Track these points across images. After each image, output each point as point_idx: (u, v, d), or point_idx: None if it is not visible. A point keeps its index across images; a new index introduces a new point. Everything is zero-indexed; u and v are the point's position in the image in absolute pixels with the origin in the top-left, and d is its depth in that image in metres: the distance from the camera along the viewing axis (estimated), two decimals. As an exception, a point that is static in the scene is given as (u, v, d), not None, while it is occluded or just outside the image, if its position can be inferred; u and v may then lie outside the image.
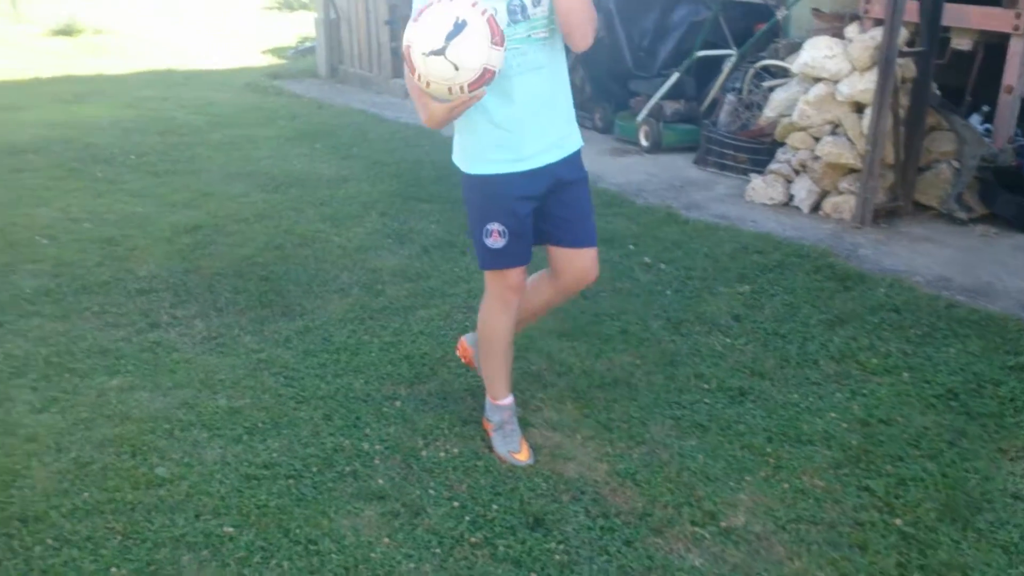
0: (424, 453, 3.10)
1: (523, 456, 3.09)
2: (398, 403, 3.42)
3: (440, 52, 2.46)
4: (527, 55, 2.73)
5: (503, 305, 3.05)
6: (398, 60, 9.76)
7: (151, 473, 2.95)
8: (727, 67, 6.94)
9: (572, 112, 2.97)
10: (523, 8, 2.69)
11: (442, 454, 3.10)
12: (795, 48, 6.42)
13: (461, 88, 2.51)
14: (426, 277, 4.62)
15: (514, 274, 2.99)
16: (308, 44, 12.80)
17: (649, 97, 7.22)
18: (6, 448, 3.05)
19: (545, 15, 2.73)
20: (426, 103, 2.66)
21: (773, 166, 6.00)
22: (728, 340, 3.96)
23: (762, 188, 5.95)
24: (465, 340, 3.48)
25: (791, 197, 5.88)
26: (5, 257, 4.76)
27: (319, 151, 7.19)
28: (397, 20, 9.60)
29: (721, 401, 3.46)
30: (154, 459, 3.03)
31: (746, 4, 7.28)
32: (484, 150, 2.85)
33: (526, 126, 2.81)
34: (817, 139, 5.75)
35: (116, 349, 3.80)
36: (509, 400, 3.20)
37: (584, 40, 2.70)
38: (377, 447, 3.13)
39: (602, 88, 7.90)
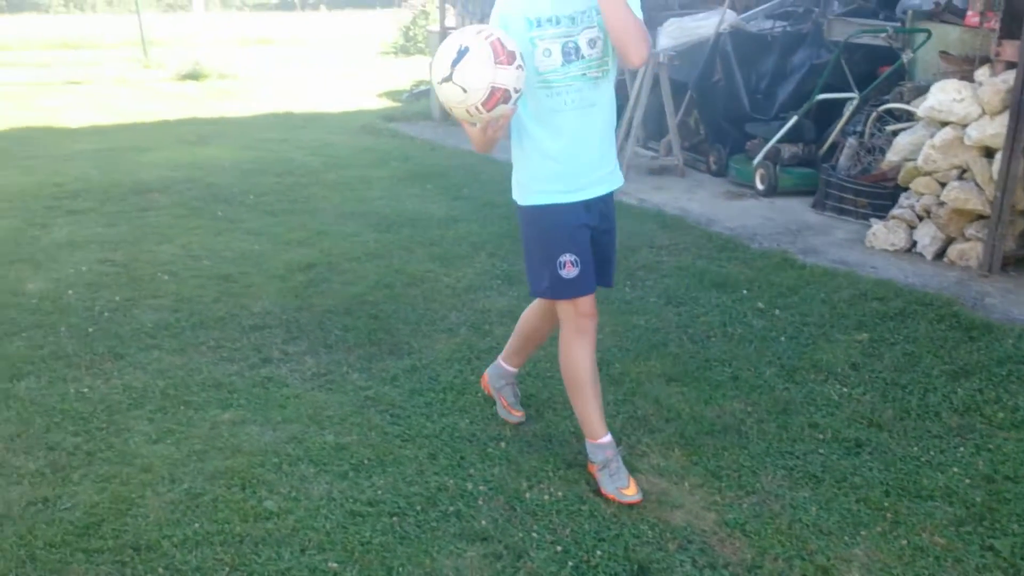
0: (528, 495, 3.06)
1: (631, 492, 3.05)
2: (503, 444, 3.39)
3: (448, 79, 2.68)
4: (581, 92, 2.92)
5: (580, 335, 3.13)
6: (510, 103, 9.84)
7: (260, 506, 2.98)
8: (848, 110, 6.79)
9: (615, 150, 3.14)
10: (577, 49, 2.90)
11: (546, 497, 3.05)
12: (921, 91, 6.24)
13: (477, 109, 2.69)
14: (533, 318, 4.59)
15: (586, 302, 3.11)
16: (423, 87, 13.08)
17: (766, 140, 7.11)
18: (122, 477, 3.14)
19: (598, 56, 2.92)
20: (467, 130, 2.87)
21: (895, 211, 5.81)
22: (845, 389, 3.81)
23: (883, 234, 5.75)
24: (488, 373, 3.67)
25: (914, 243, 5.67)
26: (129, 292, 4.94)
27: (430, 192, 7.29)
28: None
29: (836, 452, 3.32)
30: (263, 492, 3.06)
31: (869, 47, 7.13)
32: (538, 182, 3.03)
33: (579, 159, 2.99)
34: (943, 184, 5.55)
35: (229, 383, 3.89)
36: (608, 438, 3.17)
37: (639, 55, 2.81)
38: (481, 488, 3.10)
39: (717, 131, 7.83)
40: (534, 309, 3.46)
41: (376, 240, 5.94)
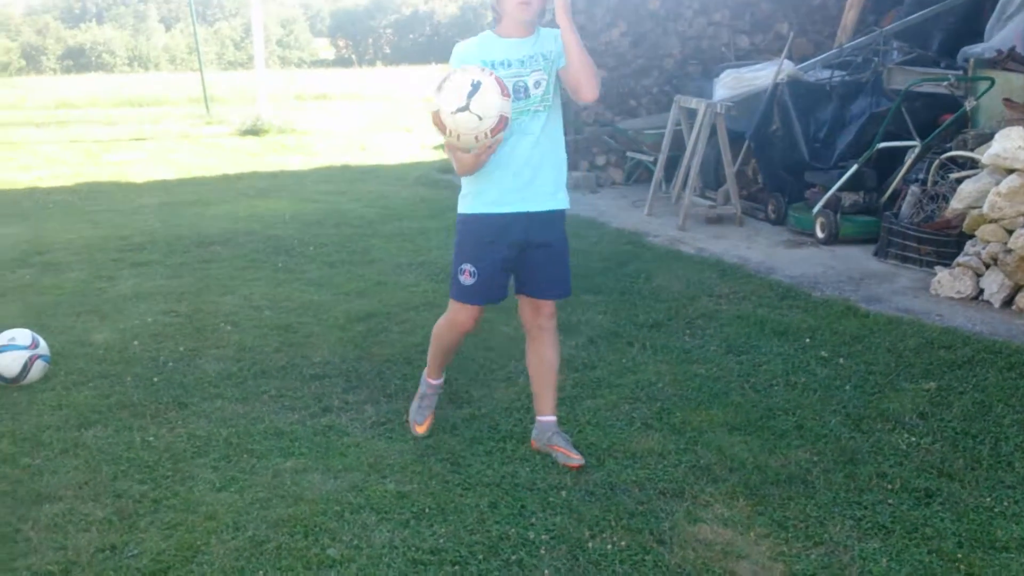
0: (591, 544, 3.02)
1: (421, 430, 3.82)
2: (563, 493, 3.36)
3: (465, 108, 3.14)
4: (522, 124, 3.42)
5: (451, 327, 3.73)
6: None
7: (323, 554, 2.98)
8: (910, 158, 6.73)
9: (561, 178, 3.55)
10: (525, 88, 3.41)
11: (609, 546, 3.01)
12: (984, 139, 6.16)
13: (485, 135, 3.18)
14: (592, 367, 4.58)
15: (471, 310, 3.62)
16: (477, 141, 13.22)
17: (826, 188, 7.07)
18: (187, 525, 3.16)
19: (541, 94, 3.43)
20: (457, 156, 3.33)
21: (961, 259, 5.71)
22: (913, 439, 3.72)
23: (949, 281, 5.66)
24: (533, 438, 3.76)
25: (981, 291, 5.56)
26: (192, 342, 5.02)
27: (487, 243, 7.33)
28: (567, 117, 9.79)
29: (906, 502, 3.24)
30: (325, 540, 3.06)
31: (931, 95, 7.08)
32: (472, 195, 3.51)
33: (509, 177, 3.44)
34: (1010, 231, 5.46)
35: (291, 431, 3.91)
36: (439, 380, 3.93)
37: (592, 91, 3.38)
38: (543, 537, 3.07)
39: (776, 180, 7.81)
40: (528, 354, 3.79)
41: (434, 290, 5.98)
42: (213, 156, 13.01)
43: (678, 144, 8.34)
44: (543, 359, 3.69)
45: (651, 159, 9.20)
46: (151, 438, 3.85)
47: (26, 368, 4.40)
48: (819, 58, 8.51)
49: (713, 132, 7.73)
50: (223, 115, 17.75)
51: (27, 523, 3.18)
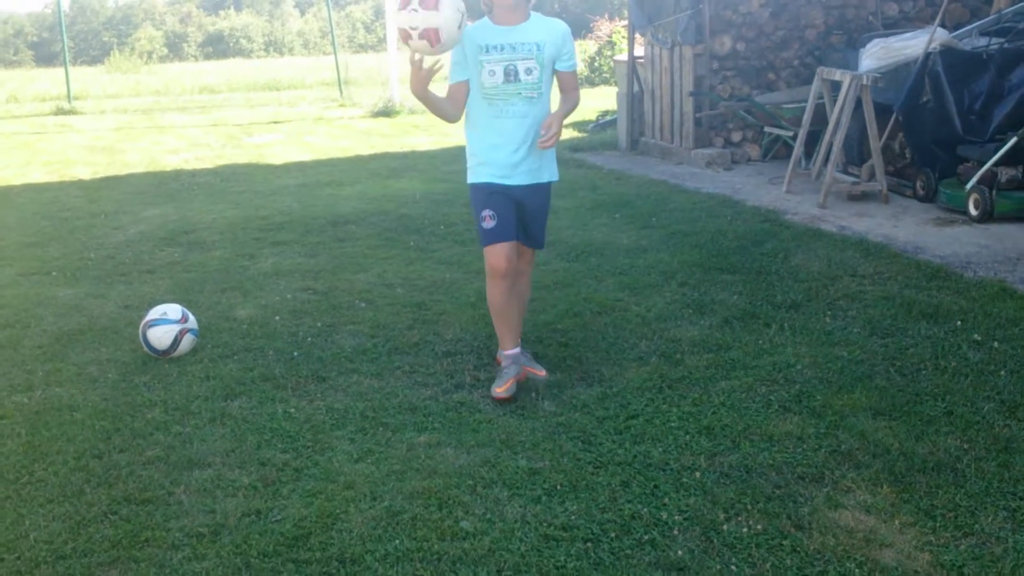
0: (725, 527, 2.96)
1: (501, 391, 3.97)
2: (697, 474, 3.30)
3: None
4: (514, 105, 3.93)
5: (492, 278, 4.05)
6: (701, 130, 9.75)
7: (456, 526, 3.01)
8: (1076, 130, 6.30)
9: (550, 154, 4.09)
10: (516, 72, 3.89)
11: (744, 529, 2.94)
12: None
13: (422, 34, 3.61)
14: (727, 348, 4.48)
15: (503, 251, 4.00)
16: (609, 118, 13.12)
17: (980, 163, 6.70)
18: (327, 493, 3.25)
19: (534, 82, 3.92)
20: (413, 73, 3.80)
21: None
22: (1076, 428, 3.50)
23: (1113, 261, 5.29)
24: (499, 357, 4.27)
25: None
26: (329, 319, 5.15)
27: (618, 221, 7.27)
28: (702, 91, 9.62)
29: (1069, 495, 3.04)
30: (459, 513, 3.10)
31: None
32: (476, 167, 4.07)
33: (507, 155, 3.98)
34: None
35: (424, 407, 3.97)
36: (514, 350, 4.13)
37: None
38: (676, 517, 3.02)
39: (925, 154, 7.46)
40: None
41: (565, 269, 5.97)
42: (346, 138, 13.32)
43: (820, 118, 8.05)
44: (519, 294, 4.26)
45: (790, 134, 8.93)
46: (292, 410, 3.97)
47: (176, 341, 4.60)
48: (975, 24, 8.04)
49: (858, 105, 7.43)
50: (355, 97, 18.15)
51: (179, 487, 3.33)
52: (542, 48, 3.90)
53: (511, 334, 4.14)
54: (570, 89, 4.11)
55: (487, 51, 3.88)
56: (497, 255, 4.01)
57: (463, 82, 3.99)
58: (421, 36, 3.65)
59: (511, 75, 3.88)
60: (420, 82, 3.82)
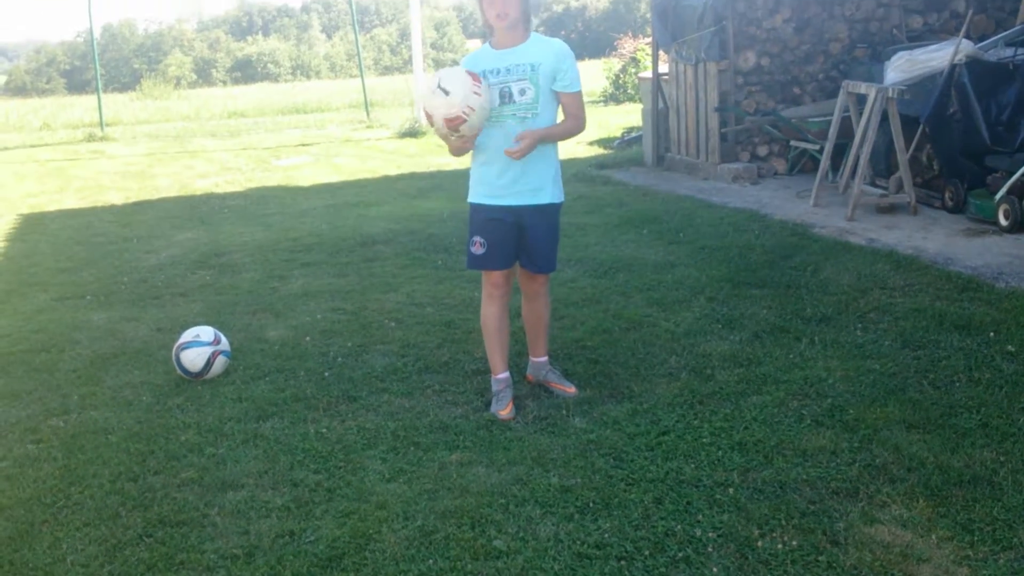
0: (760, 544, 2.94)
1: (504, 413, 4.02)
2: (731, 490, 3.28)
3: (436, 87, 3.81)
4: (508, 126, 3.95)
5: (489, 299, 4.18)
6: (727, 145, 9.73)
7: (489, 545, 3.01)
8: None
9: (545, 176, 4.06)
10: (510, 94, 3.93)
11: (780, 546, 2.92)
12: None
13: (456, 117, 3.77)
14: (758, 363, 4.46)
15: (494, 277, 4.14)
16: (634, 134, 13.13)
17: (1010, 173, 6.64)
18: (360, 513, 3.26)
19: (528, 102, 3.93)
20: (448, 141, 4.01)
21: None
22: (1116, 440, 3.45)
23: None
24: (529, 373, 4.46)
25: None
26: (359, 338, 5.18)
27: (646, 237, 7.27)
28: (727, 107, 9.61)
29: (1110, 509, 3.00)
30: (492, 532, 3.10)
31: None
32: (474, 186, 4.14)
33: (502, 176, 4.02)
34: None
35: (455, 425, 3.98)
36: (503, 375, 4.20)
37: (580, 132, 4.16)
38: (710, 534, 3.01)
39: (953, 165, 7.40)
40: (524, 310, 4.40)
41: (593, 285, 5.97)
42: (374, 159, 13.42)
43: (846, 132, 8.02)
44: (538, 315, 4.34)
45: (816, 148, 8.89)
46: (324, 430, 3.99)
47: (209, 363, 4.64)
48: (1001, 36, 7.99)
49: (884, 118, 7.39)
50: (382, 119, 18.29)
51: (213, 509, 3.36)
52: (537, 68, 3.91)
53: (501, 357, 4.22)
54: (571, 114, 4.04)
55: (484, 76, 3.92)
56: (488, 277, 4.15)
57: None
58: (443, 121, 3.83)
59: (505, 97, 3.93)
60: (458, 150, 4.08)
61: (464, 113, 3.77)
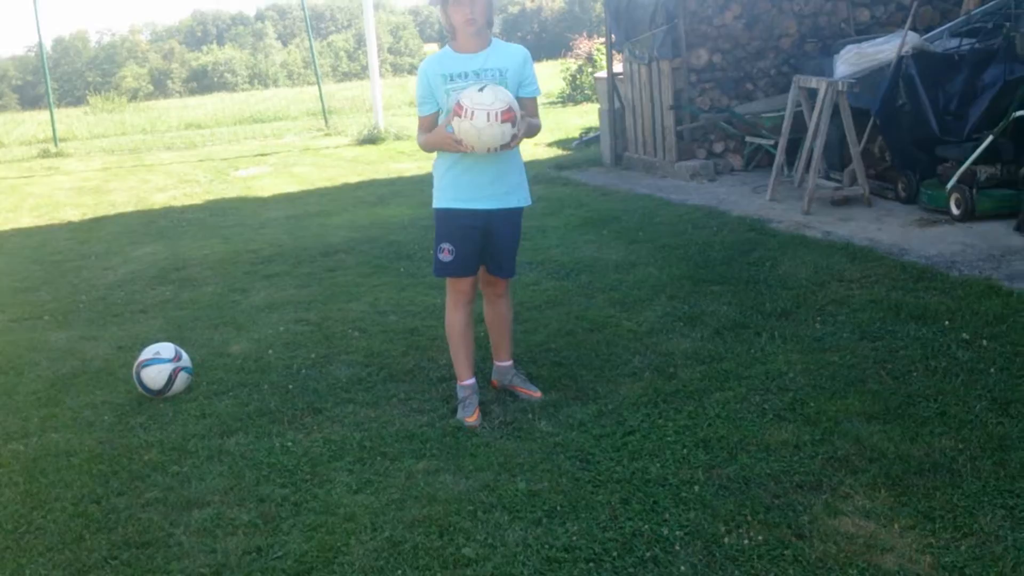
0: (727, 540, 2.97)
1: (471, 420, 4.03)
2: (696, 488, 3.31)
3: (482, 88, 3.77)
4: None
5: (455, 305, 4.17)
6: (683, 143, 9.81)
7: (458, 553, 3.02)
8: (1051, 125, 6.35)
9: (516, 180, 4.09)
10: None
11: (746, 541, 2.95)
12: None
13: (497, 115, 3.70)
14: (720, 359, 4.50)
15: (460, 284, 4.13)
16: (592, 135, 13.19)
17: (959, 163, 6.75)
18: (328, 526, 3.25)
19: None
20: (435, 136, 3.98)
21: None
22: (1069, 422, 3.52)
23: (1097, 253, 5.33)
24: (494, 378, 4.44)
25: None
26: (323, 349, 5.16)
27: (606, 237, 7.30)
28: (682, 105, 9.68)
29: (1065, 491, 3.06)
30: (460, 539, 3.10)
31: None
32: (441, 191, 4.07)
33: (471, 180, 3.99)
34: None
35: (421, 434, 3.98)
36: (469, 381, 4.19)
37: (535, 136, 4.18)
38: (677, 533, 3.03)
39: (904, 156, 7.52)
40: (487, 312, 4.40)
41: (555, 287, 5.99)
42: (333, 167, 13.36)
43: (799, 126, 8.11)
44: (501, 316, 4.34)
45: (771, 143, 8.99)
46: (289, 443, 3.97)
47: (171, 380, 4.60)
48: (946, 27, 8.13)
49: (836, 111, 7.49)
50: (340, 126, 18.22)
51: (179, 528, 3.33)
52: (504, 74, 3.93)
53: (467, 364, 4.22)
54: (531, 115, 4.06)
55: (451, 80, 3.91)
56: (455, 284, 4.15)
57: (433, 114, 4.05)
58: (499, 116, 3.73)
59: None
60: (448, 148, 3.97)
61: (513, 107, 3.76)
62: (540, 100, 4.13)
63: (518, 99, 3.95)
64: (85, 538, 3.31)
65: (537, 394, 4.26)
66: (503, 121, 3.72)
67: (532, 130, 4.04)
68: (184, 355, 4.73)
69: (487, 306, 4.37)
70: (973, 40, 7.54)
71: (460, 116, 3.74)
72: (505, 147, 3.83)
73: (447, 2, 3.86)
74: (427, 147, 4.10)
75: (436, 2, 3.95)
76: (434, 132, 3.99)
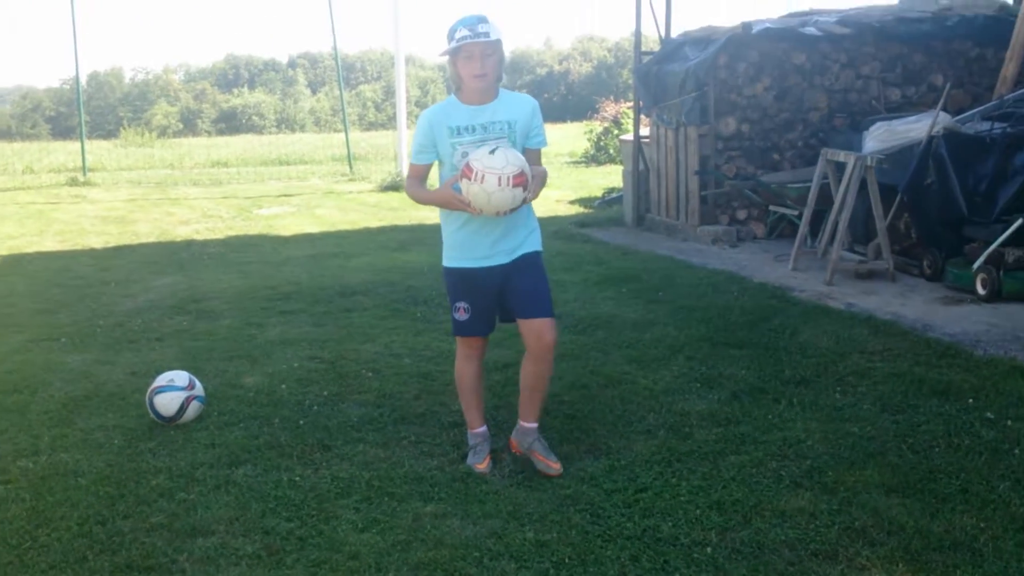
0: (739, 605, 2.90)
1: (481, 467, 3.98)
2: (708, 549, 3.25)
3: (494, 151, 3.66)
4: None
5: (466, 359, 4.14)
6: (706, 208, 9.83)
7: (463, 599, 2.96)
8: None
9: (526, 230, 3.99)
10: None
11: (759, 608, 2.88)
12: None
13: (508, 180, 3.60)
14: (736, 423, 4.44)
15: (473, 341, 4.09)
16: (615, 194, 13.24)
17: (987, 243, 6.73)
18: (332, 563, 3.20)
19: None
20: (426, 193, 3.95)
21: None
22: (1093, 508, 3.44)
23: (1123, 341, 5.27)
24: (513, 439, 4.17)
25: None
26: (336, 387, 5.13)
27: (625, 295, 7.28)
28: (708, 170, 9.72)
29: (1090, 577, 2.98)
30: (466, 585, 3.04)
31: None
32: (451, 250, 3.99)
33: (480, 238, 3.89)
34: None
35: (430, 477, 3.93)
36: (480, 429, 4.18)
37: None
38: (688, 594, 2.96)
39: (931, 234, 7.50)
40: (525, 367, 4.06)
41: (572, 341, 5.95)
42: (355, 211, 13.44)
43: (824, 198, 8.12)
44: (542, 377, 4.04)
45: (795, 213, 8.99)
46: (297, 478, 3.93)
47: (183, 408, 4.58)
48: (978, 110, 8.17)
49: (863, 186, 7.50)
50: (365, 172, 18.36)
51: (182, 555, 3.29)
52: (513, 126, 3.83)
53: (478, 413, 4.20)
54: (534, 163, 3.93)
55: (458, 133, 3.80)
56: (469, 346, 4.11)
57: (428, 164, 3.97)
58: (510, 180, 3.65)
59: None
60: (452, 208, 3.84)
61: (525, 171, 3.68)
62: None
63: (524, 150, 3.87)
64: (88, 559, 3.27)
65: (556, 466, 3.94)
66: (515, 186, 3.62)
67: (542, 181, 3.92)
68: (198, 384, 4.71)
69: (531, 363, 3.99)
70: (1005, 124, 7.56)
71: (470, 179, 3.63)
72: (514, 211, 3.76)
73: (457, 56, 3.74)
74: (422, 201, 4.01)
75: (446, 54, 3.80)
76: (438, 190, 3.87)
